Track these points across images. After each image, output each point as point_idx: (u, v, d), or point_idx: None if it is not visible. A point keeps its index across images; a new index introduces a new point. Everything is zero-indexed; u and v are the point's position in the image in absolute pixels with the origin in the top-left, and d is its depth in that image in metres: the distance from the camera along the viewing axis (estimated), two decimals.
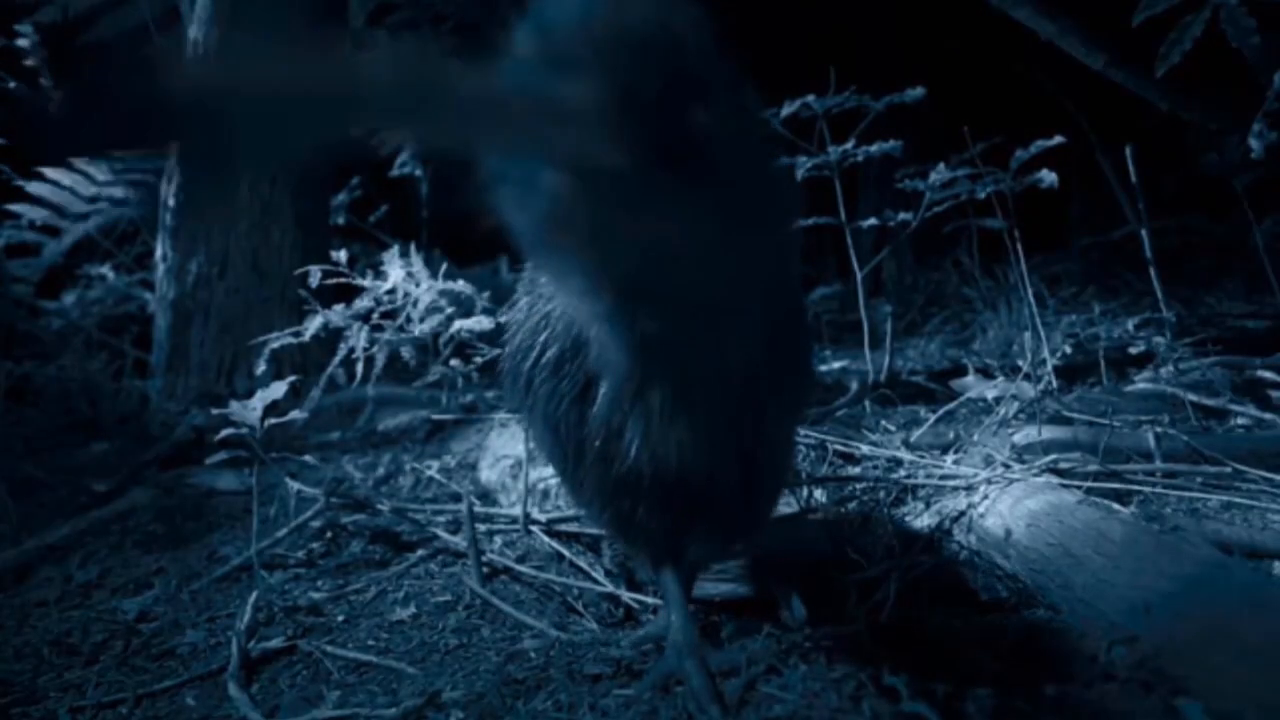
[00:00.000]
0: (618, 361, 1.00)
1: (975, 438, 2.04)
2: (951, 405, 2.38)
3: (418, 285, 2.02)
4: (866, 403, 2.53)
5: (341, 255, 1.95)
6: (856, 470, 1.90)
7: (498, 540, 1.78)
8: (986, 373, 2.71)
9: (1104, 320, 2.87)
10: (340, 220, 4.74)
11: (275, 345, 1.99)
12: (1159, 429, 1.91)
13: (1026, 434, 1.94)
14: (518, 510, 1.81)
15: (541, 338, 1.16)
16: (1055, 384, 2.38)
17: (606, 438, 1.11)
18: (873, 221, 2.69)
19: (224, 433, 1.57)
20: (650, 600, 1.49)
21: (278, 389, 1.55)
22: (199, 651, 1.44)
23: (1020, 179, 2.49)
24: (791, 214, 1.17)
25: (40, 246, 4.21)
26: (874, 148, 2.55)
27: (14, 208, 4.12)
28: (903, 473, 1.82)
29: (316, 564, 1.79)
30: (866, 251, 3.63)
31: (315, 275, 1.93)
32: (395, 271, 2.01)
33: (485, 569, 1.63)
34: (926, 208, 2.63)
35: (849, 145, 2.67)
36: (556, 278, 0.99)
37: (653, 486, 1.14)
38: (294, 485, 2.00)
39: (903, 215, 2.66)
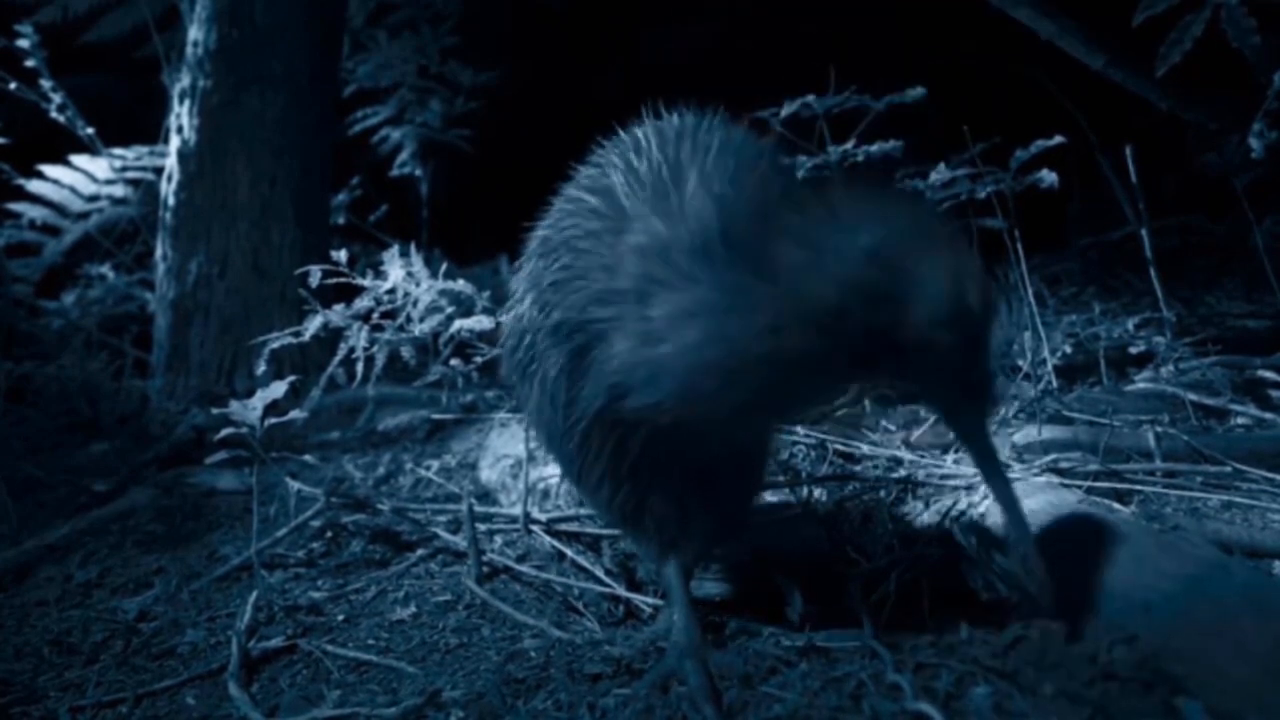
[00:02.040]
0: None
1: None
2: None
3: (418, 285, 2.01)
4: (866, 402, 2.53)
5: (341, 255, 1.95)
6: (857, 469, 1.90)
7: (498, 540, 1.78)
8: None
9: (1104, 320, 2.86)
10: (340, 220, 4.73)
11: (275, 345, 1.98)
12: (1159, 429, 1.91)
13: (1026, 433, 1.94)
14: (518, 510, 1.81)
15: (556, 311, 1.16)
16: (1055, 383, 2.38)
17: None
18: None
19: (224, 432, 1.56)
20: (651, 600, 1.49)
21: (278, 389, 1.54)
22: (199, 651, 1.44)
23: (1020, 179, 2.48)
24: None
25: (40, 246, 4.21)
26: (874, 148, 2.54)
27: (14, 206, 4.12)
28: (903, 472, 1.82)
29: (316, 563, 1.79)
30: None
31: (315, 275, 1.93)
32: (395, 271, 2.00)
33: (485, 568, 1.63)
34: None
35: (849, 145, 2.66)
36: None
37: (670, 460, 1.16)
38: (294, 485, 2.00)
39: None
